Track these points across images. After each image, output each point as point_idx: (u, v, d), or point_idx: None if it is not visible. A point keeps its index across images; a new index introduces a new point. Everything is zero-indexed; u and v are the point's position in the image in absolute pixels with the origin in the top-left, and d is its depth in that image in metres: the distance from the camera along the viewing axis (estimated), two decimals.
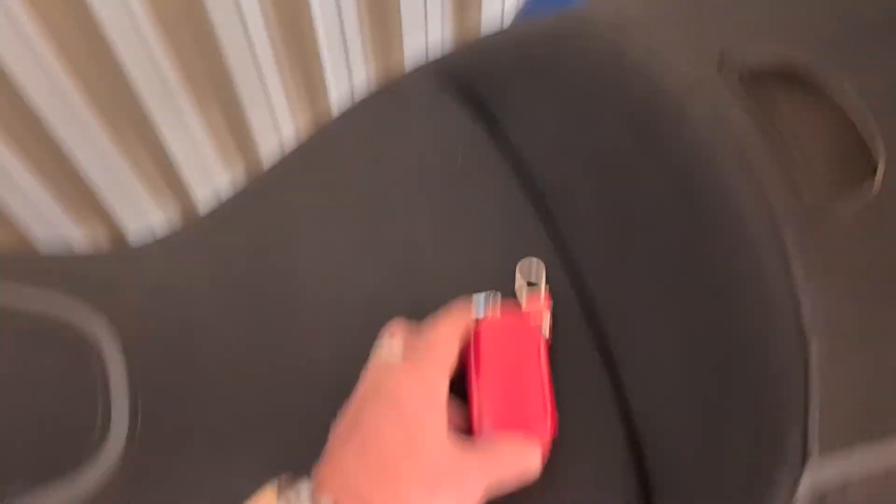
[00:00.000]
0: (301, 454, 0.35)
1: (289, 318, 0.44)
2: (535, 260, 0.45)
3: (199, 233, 0.49)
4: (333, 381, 0.38)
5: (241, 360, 0.43)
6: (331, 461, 0.34)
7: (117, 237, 0.98)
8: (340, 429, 0.35)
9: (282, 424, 0.41)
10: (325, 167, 0.50)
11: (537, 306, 0.43)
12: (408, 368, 0.36)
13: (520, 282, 0.44)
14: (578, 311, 0.44)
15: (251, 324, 0.44)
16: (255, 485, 0.33)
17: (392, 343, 0.38)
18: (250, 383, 0.42)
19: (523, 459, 0.36)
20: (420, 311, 0.39)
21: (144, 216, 0.97)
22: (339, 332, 0.44)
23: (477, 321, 0.41)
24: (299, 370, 0.43)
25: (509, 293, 0.44)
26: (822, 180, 0.36)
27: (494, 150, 0.50)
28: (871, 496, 0.33)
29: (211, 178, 0.96)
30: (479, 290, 0.43)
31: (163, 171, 0.94)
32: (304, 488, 0.32)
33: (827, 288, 0.34)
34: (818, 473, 0.32)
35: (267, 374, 0.43)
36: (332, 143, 0.51)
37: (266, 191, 0.50)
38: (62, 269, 0.46)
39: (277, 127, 0.96)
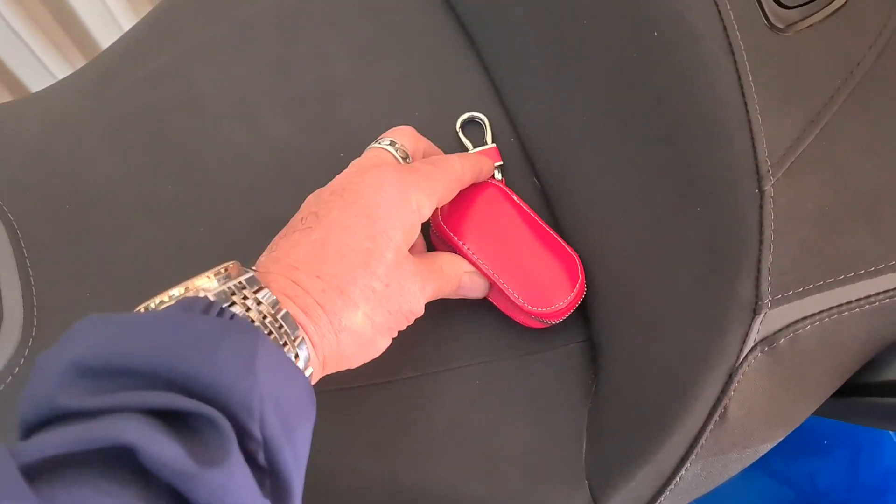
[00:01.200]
0: None
1: (193, 181, 0.40)
2: (476, 115, 0.41)
3: (84, 84, 0.43)
4: (243, 245, 0.34)
5: (141, 230, 0.39)
6: (284, 248, 0.30)
7: None
8: (308, 206, 0.32)
9: None
10: (221, 1, 0.43)
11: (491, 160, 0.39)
12: (400, 178, 0.32)
13: (466, 143, 0.41)
14: (520, 155, 0.41)
15: (150, 188, 0.40)
16: None
17: (396, 139, 0.35)
18: (151, 255, 0.39)
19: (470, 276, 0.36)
20: (338, 168, 0.34)
21: (53, 78, 0.87)
22: (250, 194, 0.40)
23: None
24: (207, 235, 0.39)
25: (439, 139, 0.40)
26: None
27: None
28: (823, 338, 0.32)
29: (118, 26, 0.86)
30: None
31: (64, 25, 0.83)
32: (248, 274, 0.28)
33: (784, 119, 0.31)
34: (769, 322, 0.31)
35: (169, 242, 0.39)
36: None
37: (157, 35, 0.43)
38: None
39: None
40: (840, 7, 0.32)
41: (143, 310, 0.26)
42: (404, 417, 0.36)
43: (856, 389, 0.36)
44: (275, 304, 0.27)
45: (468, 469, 0.35)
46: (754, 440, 0.34)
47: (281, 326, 0.27)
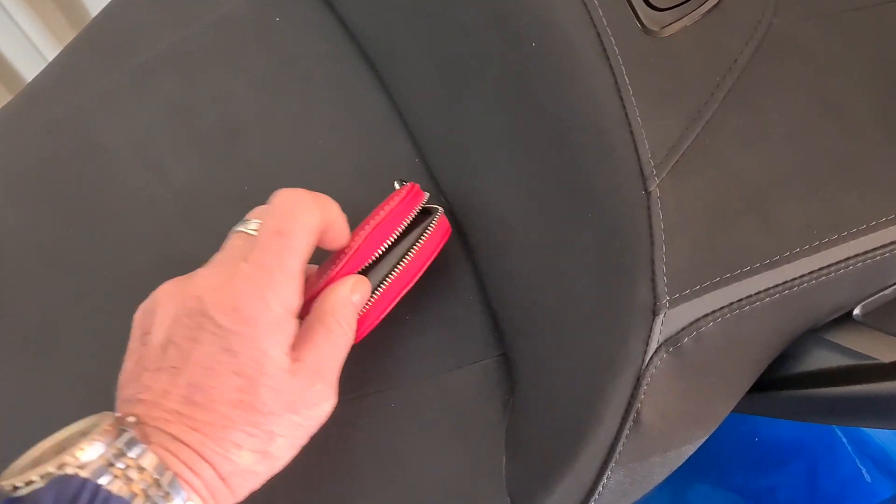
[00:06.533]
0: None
1: (95, 227, 0.40)
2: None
3: None
4: (151, 288, 0.33)
5: (41, 281, 0.38)
6: (155, 392, 0.28)
7: None
8: (168, 329, 0.29)
9: (96, 343, 0.37)
10: (119, 47, 0.43)
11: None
12: (251, 288, 0.29)
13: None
14: (425, 175, 0.41)
15: (50, 237, 0.39)
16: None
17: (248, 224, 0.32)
18: (54, 306, 0.38)
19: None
20: (244, 204, 0.34)
21: None
22: (155, 237, 0.40)
23: None
24: (111, 281, 0.39)
25: (344, 173, 0.40)
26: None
27: (316, 2, 0.43)
28: (727, 334, 0.31)
29: (44, 59, 0.86)
30: (310, 174, 0.40)
31: None
32: (127, 435, 0.26)
33: (665, 120, 0.31)
34: (670, 322, 0.30)
35: (73, 292, 0.38)
36: (122, 18, 0.44)
37: (56, 84, 0.43)
38: None
39: None
40: (713, 7, 0.33)
41: (10, 487, 0.24)
42: (325, 446, 0.35)
43: (773, 384, 0.36)
44: (159, 469, 0.26)
45: (391, 495, 0.35)
46: (675, 442, 0.33)
47: (167, 494, 0.25)
